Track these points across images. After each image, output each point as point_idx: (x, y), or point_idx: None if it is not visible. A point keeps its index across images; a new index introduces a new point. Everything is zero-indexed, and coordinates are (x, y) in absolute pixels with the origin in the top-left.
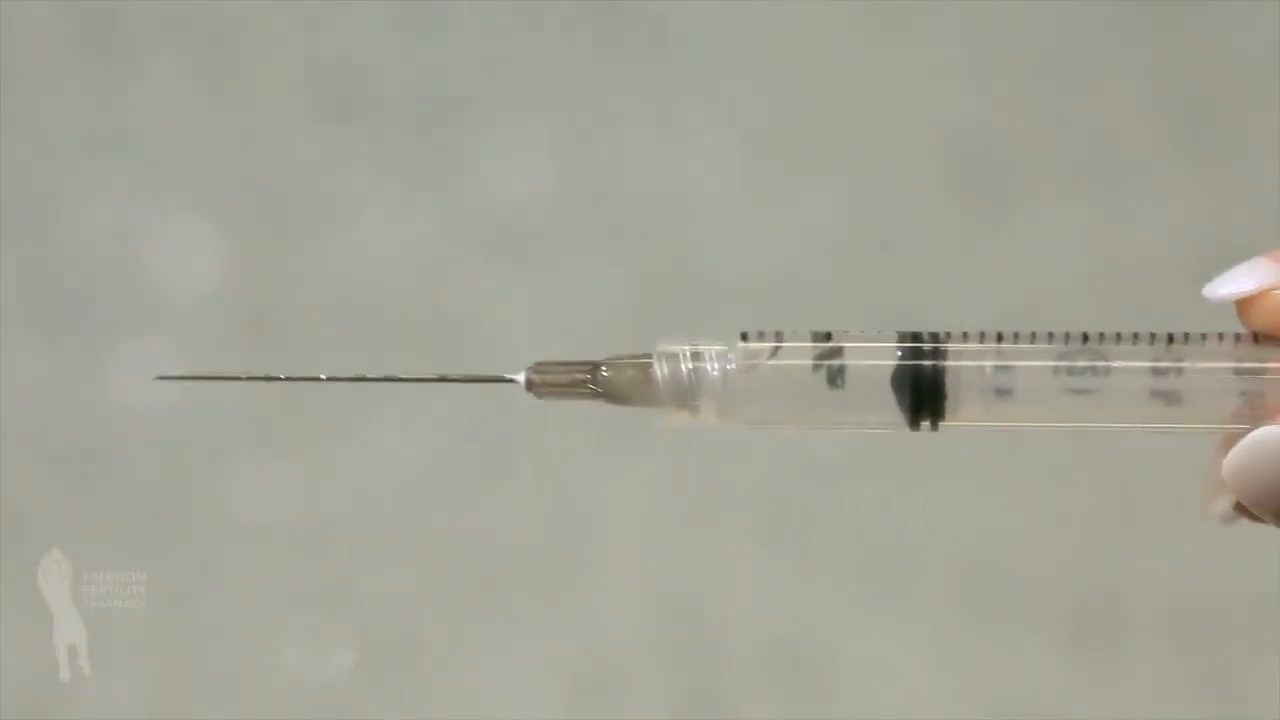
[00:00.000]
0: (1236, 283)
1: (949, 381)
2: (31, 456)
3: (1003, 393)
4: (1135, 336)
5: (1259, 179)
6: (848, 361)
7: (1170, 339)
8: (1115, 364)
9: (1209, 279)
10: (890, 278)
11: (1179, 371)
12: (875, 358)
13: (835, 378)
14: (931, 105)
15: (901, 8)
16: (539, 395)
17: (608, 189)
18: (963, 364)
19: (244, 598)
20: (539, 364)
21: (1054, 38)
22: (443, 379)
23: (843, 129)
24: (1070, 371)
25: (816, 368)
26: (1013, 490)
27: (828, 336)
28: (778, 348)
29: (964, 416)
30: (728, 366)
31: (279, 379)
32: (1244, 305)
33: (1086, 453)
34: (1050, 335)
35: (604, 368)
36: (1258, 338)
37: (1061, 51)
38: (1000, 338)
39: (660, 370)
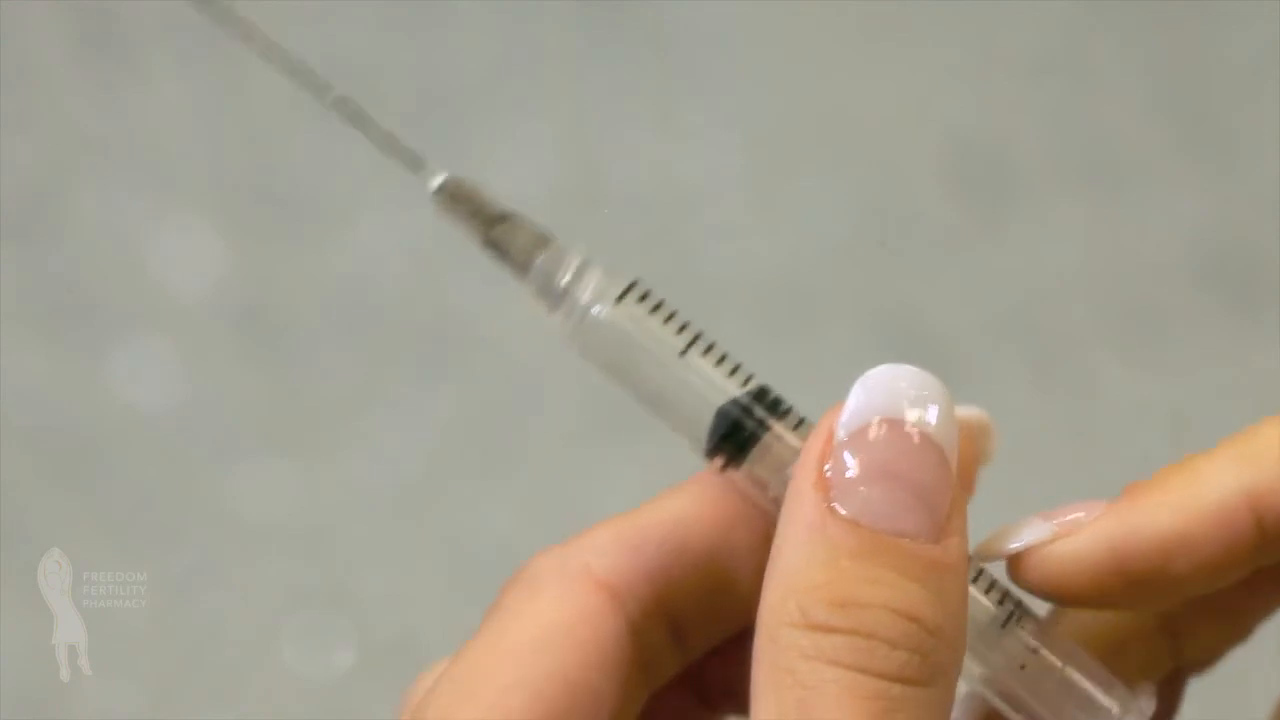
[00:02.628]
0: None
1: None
2: (32, 456)
3: None
4: None
5: (1259, 179)
6: (704, 357)
7: None
8: None
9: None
10: (890, 278)
11: None
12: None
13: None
14: (931, 105)
15: (902, 8)
16: (440, 206)
17: (607, 188)
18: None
19: (244, 598)
20: (459, 180)
21: (1054, 38)
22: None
23: (843, 129)
24: None
25: (677, 343)
26: (1012, 495)
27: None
28: (657, 305)
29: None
30: (594, 308)
31: None
32: (1014, 560)
33: (1087, 457)
34: None
35: (510, 219)
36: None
37: (1061, 52)
38: None
39: (543, 259)
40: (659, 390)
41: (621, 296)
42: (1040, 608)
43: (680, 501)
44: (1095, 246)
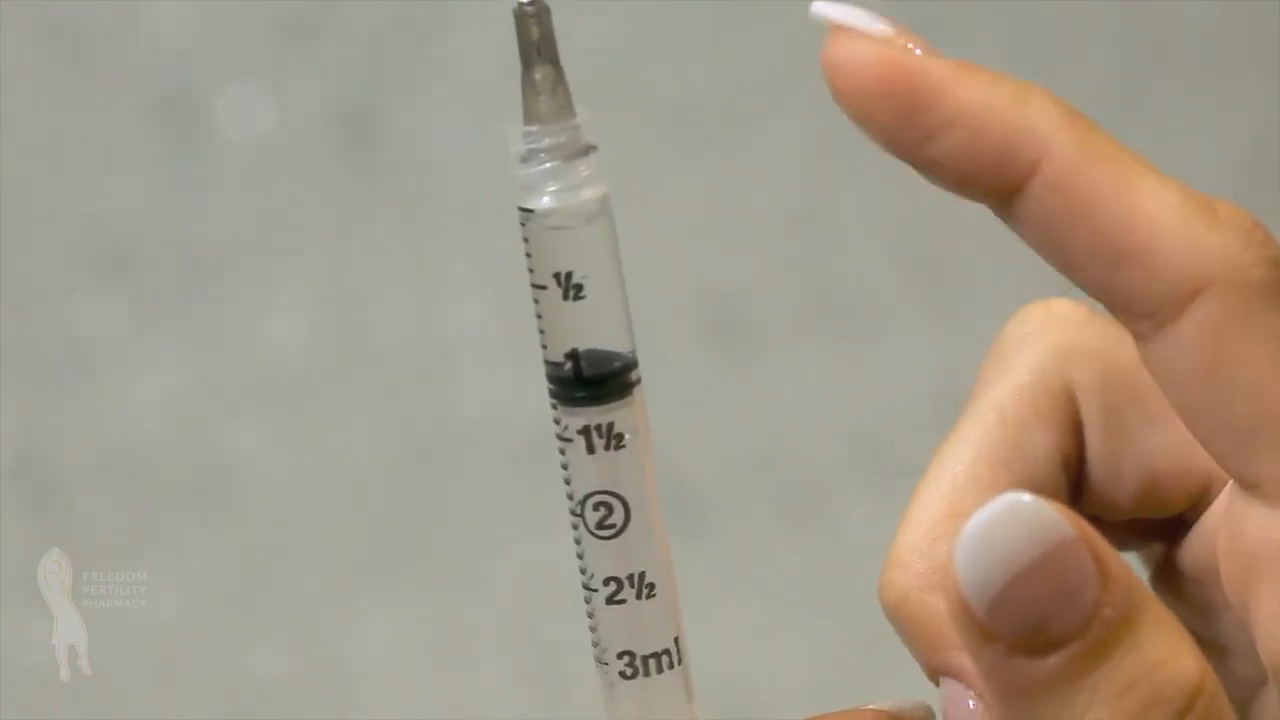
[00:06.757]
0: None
1: None
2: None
3: None
4: None
5: (983, 323)
6: None
7: None
8: None
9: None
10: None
11: None
12: None
13: None
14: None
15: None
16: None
17: (367, 341)
18: None
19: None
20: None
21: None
22: None
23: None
24: None
25: None
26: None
27: None
28: None
29: None
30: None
31: None
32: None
33: (834, 598)
34: None
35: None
36: None
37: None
38: None
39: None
40: None
41: None
42: None
43: None
44: (838, 388)
